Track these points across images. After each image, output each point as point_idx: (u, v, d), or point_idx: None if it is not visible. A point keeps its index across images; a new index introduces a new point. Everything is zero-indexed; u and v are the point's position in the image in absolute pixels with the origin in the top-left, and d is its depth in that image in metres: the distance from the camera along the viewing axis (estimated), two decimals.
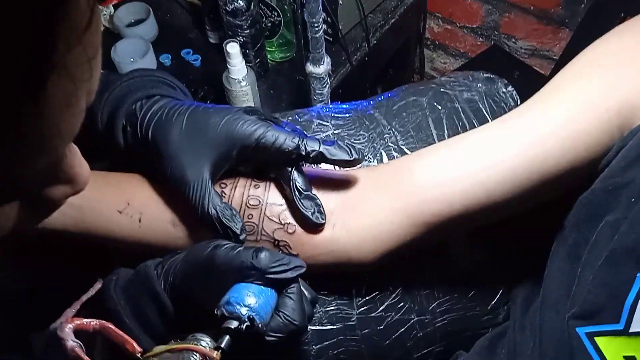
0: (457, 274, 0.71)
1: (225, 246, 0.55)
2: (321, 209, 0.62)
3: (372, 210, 0.62)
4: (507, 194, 0.59)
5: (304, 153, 0.60)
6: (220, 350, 0.49)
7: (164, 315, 0.57)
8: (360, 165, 0.68)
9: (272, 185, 0.64)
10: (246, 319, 0.50)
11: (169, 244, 0.63)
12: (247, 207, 0.62)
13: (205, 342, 0.50)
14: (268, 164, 0.64)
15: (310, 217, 0.61)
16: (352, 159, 0.61)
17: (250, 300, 0.51)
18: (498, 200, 0.59)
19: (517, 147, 0.59)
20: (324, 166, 0.69)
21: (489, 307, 0.72)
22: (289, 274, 0.54)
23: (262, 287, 0.53)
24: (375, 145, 0.73)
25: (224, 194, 0.63)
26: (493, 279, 0.73)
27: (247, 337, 0.52)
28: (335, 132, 0.73)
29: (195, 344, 0.49)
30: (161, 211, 0.63)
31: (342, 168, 0.66)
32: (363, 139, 0.73)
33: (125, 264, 0.62)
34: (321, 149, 0.60)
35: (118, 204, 0.63)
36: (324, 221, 0.61)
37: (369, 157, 0.72)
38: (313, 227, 0.62)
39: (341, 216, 0.63)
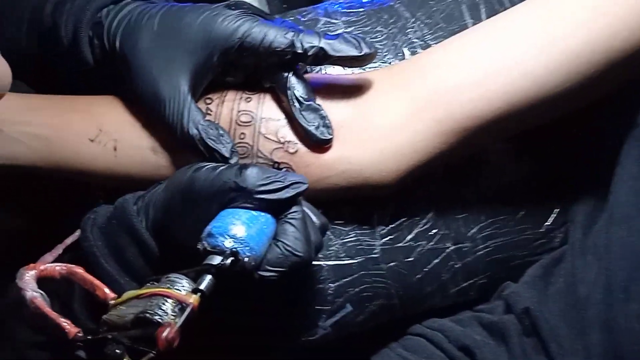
0: (500, 191, 0.59)
1: (206, 167, 0.45)
2: (327, 121, 0.50)
3: (390, 118, 0.51)
4: (563, 85, 0.46)
5: (300, 51, 0.48)
6: (199, 294, 0.40)
7: (147, 255, 0.48)
8: (376, 65, 0.56)
9: (268, 97, 0.53)
10: (230, 253, 0.40)
11: (151, 174, 0.53)
12: (238, 124, 0.52)
13: (182, 285, 0.40)
14: (260, 71, 0.52)
15: (314, 132, 0.50)
16: (361, 54, 0.49)
17: (236, 229, 0.41)
18: (551, 94, 0.47)
19: (573, 24, 0.46)
20: (331, 71, 0.57)
21: (542, 230, 0.60)
22: (284, 193, 0.43)
23: (253, 212, 0.44)
24: (396, 42, 0.59)
25: (209, 111, 0.52)
26: (546, 196, 0.60)
27: (239, 275, 0.42)
28: (346, 30, 0.61)
29: (168, 288, 0.40)
30: (139, 136, 0.54)
31: (351, 69, 0.54)
32: (381, 35, 0.60)
33: (111, 200, 0.53)
34: (322, 44, 0.48)
35: (88, 131, 0.54)
36: (331, 136, 0.50)
37: (388, 57, 0.59)
38: (318, 144, 0.50)
39: (352, 128, 0.51)
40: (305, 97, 0.50)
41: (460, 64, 0.49)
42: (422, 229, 0.58)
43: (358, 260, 0.57)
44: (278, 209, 0.44)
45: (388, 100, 0.51)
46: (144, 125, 0.53)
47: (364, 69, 0.56)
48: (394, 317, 0.59)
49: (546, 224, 0.60)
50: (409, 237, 0.57)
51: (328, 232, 0.56)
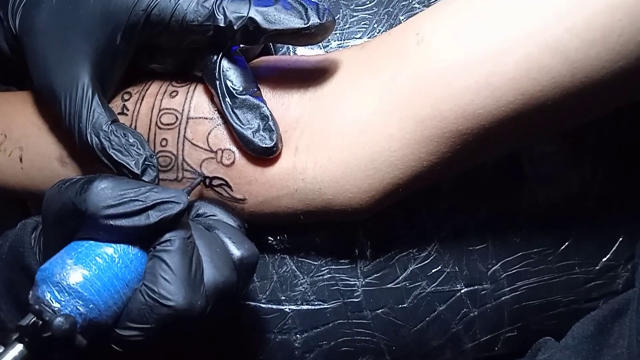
0: (535, 211, 0.42)
1: (59, 183, 0.33)
2: (270, 122, 0.36)
3: (357, 118, 0.36)
4: (597, 57, 0.29)
5: (222, 24, 0.34)
6: None
7: None
8: (361, 40, 0.41)
9: (199, 90, 0.39)
10: (36, 311, 0.28)
11: None
12: (159, 127, 0.38)
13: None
14: (187, 55, 0.39)
15: (251, 137, 0.36)
16: (307, 25, 0.34)
17: (67, 275, 0.29)
18: (581, 71, 0.30)
19: None
20: (304, 52, 0.43)
21: (597, 267, 0.43)
22: (143, 219, 0.30)
23: (105, 247, 0.31)
24: (390, 9, 0.44)
25: (125, 110, 0.40)
26: (606, 218, 0.43)
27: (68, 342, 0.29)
28: None
29: None
30: (46, 143, 0.42)
31: (307, 48, 0.39)
32: (369, 1, 0.44)
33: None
34: (251, 14, 0.34)
35: None
36: (273, 143, 0.36)
37: (379, 29, 0.43)
38: (259, 153, 0.36)
39: (307, 132, 0.37)
40: (240, 88, 0.36)
41: (454, 39, 0.32)
42: (420, 264, 0.42)
43: (333, 305, 0.43)
44: (143, 239, 0.31)
45: (356, 92, 0.36)
46: (51, 129, 0.42)
47: (322, 46, 0.42)
48: None
49: (604, 259, 0.43)
50: (403, 275, 0.42)
51: (293, 267, 0.42)
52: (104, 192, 0.30)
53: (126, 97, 0.40)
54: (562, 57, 0.30)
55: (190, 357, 0.44)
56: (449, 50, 0.33)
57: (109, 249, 0.30)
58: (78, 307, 0.28)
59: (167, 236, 0.30)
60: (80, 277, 0.29)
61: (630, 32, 0.29)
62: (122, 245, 0.31)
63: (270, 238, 0.42)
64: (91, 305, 0.28)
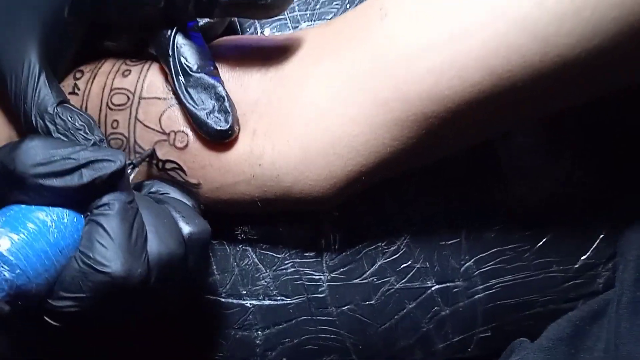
0: (510, 206, 0.40)
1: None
2: (226, 103, 0.34)
3: (318, 100, 0.33)
4: (575, 41, 0.27)
5: None
6: None
7: None
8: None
9: (153, 69, 0.37)
10: None
11: None
12: (110, 108, 0.36)
13: None
14: (142, 33, 0.36)
15: (205, 118, 0.34)
16: None
17: None
18: (560, 57, 0.28)
19: None
20: (270, 33, 0.41)
21: (576, 265, 0.41)
22: (74, 178, 0.28)
23: (35, 210, 0.28)
24: None
25: (76, 89, 0.37)
26: (587, 213, 0.41)
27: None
28: None
29: None
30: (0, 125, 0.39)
31: (275, 29, 0.37)
32: None
33: None
34: None
35: None
36: (228, 125, 0.34)
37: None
38: (214, 136, 0.34)
39: (266, 115, 0.35)
40: (195, 66, 0.34)
41: (419, 14, 0.30)
42: (389, 259, 0.40)
43: (297, 300, 0.40)
44: (80, 202, 0.29)
45: (317, 73, 0.34)
46: (4, 111, 0.39)
47: (292, 27, 0.39)
48: None
49: (584, 257, 0.40)
50: (370, 270, 0.40)
51: (255, 260, 0.40)
52: (34, 150, 0.28)
53: (78, 75, 0.38)
54: (531, 34, 0.28)
55: (146, 352, 0.41)
56: (413, 27, 0.30)
57: (41, 213, 0.28)
58: (3, 272, 0.26)
59: (105, 199, 0.28)
60: (6, 241, 0.26)
61: (603, 8, 0.27)
62: (56, 209, 0.28)
63: (232, 228, 0.40)
64: (18, 271, 0.26)
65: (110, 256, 0.27)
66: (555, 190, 0.40)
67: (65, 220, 0.28)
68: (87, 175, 0.27)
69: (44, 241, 0.27)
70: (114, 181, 0.28)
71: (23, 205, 0.28)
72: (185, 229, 0.31)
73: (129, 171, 0.33)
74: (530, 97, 0.30)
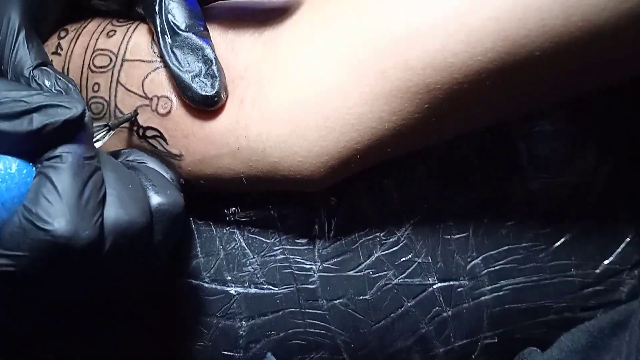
0: (526, 200, 0.36)
1: None
2: (213, 67, 0.31)
3: (312, 69, 0.30)
4: (604, 3, 0.23)
5: None
6: None
7: None
8: None
9: (140, 30, 0.34)
10: None
11: None
12: (92, 70, 0.34)
13: None
14: None
15: (190, 82, 0.31)
16: None
17: None
18: (585, 22, 0.24)
19: None
20: None
21: (597, 270, 0.36)
22: (22, 122, 0.25)
23: None
24: None
25: (59, 49, 0.35)
26: (608, 215, 0.36)
27: None
28: None
29: None
30: None
31: None
32: None
33: None
34: None
35: None
36: (215, 91, 0.31)
37: None
38: (198, 102, 0.31)
39: (256, 83, 0.31)
40: (183, 25, 0.31)
41: None
42: (387, 251, 0.36)
43: (285, 290, 0.37)
44: (30, 151, 0.26)
45: (313, 40, 0.30)
46: None
47: None
48: None
49: (606, 262, 0.36)
50: (366, 262, 0.37)
51: (242, 244, 0.37)
52: None
53: (62, 34, 0.35)
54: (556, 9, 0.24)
55: (123, 338, 0.39)
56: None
57: None
58: None
59: (58, 151, 0.25)
60: None
61: None
62: (4, 158, 0.25)
63: (219, 208, 0.37)
64: None
65: (54, 213, 0.24)
66: (578, 185, 0.36)
67: (13, 171, 0.25)
68: (37, 120, 0.24)
69: None
70: (69, 131, 0.25)
71: None
72: (154, 198, 0.28)
73: (103, 134, 0.31)
74: (549, 70, 0.26)
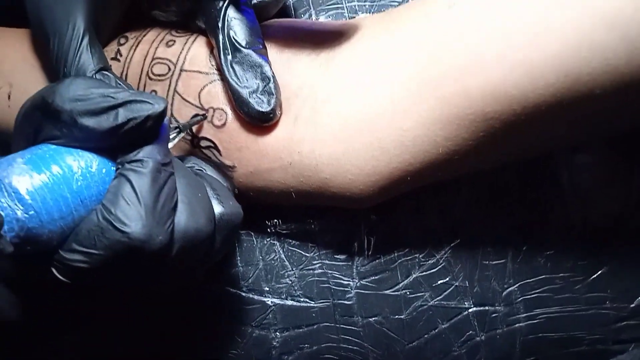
0: (566, 231, 0.36)
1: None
2: (271, 85, 0.32)
3: (368, 87, 0.31)
4: None
5: None
6: None
7: None
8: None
9: (198, 42, 0.35)
10: None
11: None
12: (150, 78, 0.35)
13: None
14: (192, 5, 0.35)
15: (247, 98, 0.32)
16: None
17: (15, 178, 0.24)
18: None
19: None
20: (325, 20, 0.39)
21: (632, 305, 0.37)
22: (108, 118, 0.25)
23: (66, 152, 0.26)
24: None
25: (118, 55, 0.36)
26: None
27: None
28: None
29: None
30: (35, 82, 0.38)
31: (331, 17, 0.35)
32: None
33: None
34: None
35: None
36: (271, 108, 0.32)
37: None
38: (254, 118, 0.32)
39: (311, 102, 0.32)
40: (244, 42, 0.32)
41: (490, 3, 0.27)
42: (425, 273, 0.37)
43: (321, 304, 0.38)
44: (111, 150, 0.27)
45: (371, 60, 0.31)
46: (42, 68, 0.38)
47: (349, 17, 0.37)
48: None
49: None
50: (404, 282, 0.37)
51: (282, 256, 0.38)
52: (75, 85, 0.26)
53: (122, 41, 0.36)
54: (620, 34, 0.25)
55: (157, 340, 0.39)
56: (483, 16, 0.28)
57: (70, 157, 0.26)
58: (16, 210, 0.24)
59: (140, 155, 0.26)
60: (26, 179, 0.24)
61: None
62: (87, 155, 0.26)
63: (262, 219, 0.38)
64: (32, 212, 0.24)
65: (132, 215, 0.25)
66: (617, 217, 0.37)
67: (94, 169, 0.26)
68: (122, 115, 0.25)
69: (66, 187, 0.25)
70: (151, 129, 0.26)
71: (53, 146, 0.26)
72: (218, 208, 0.29)
73: (172, 135, 0.32)
74: (607, 106, 0.27)
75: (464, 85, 0.28)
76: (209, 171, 0.32)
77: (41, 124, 0.27)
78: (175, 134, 0.31)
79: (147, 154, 0.26)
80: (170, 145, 0.30)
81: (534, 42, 0.26)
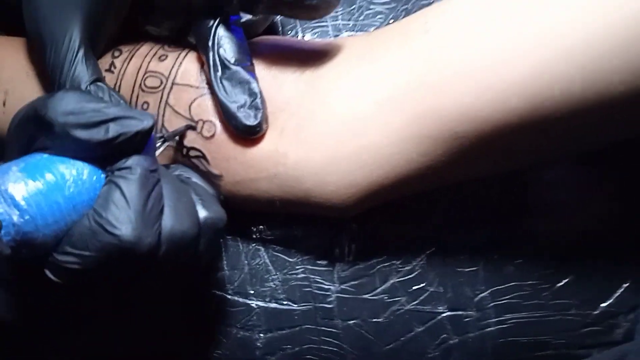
0: (534, 241, 0.39)
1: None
2: (258, 100, 0.34)
3: (350, 104, 0.33)
4: (627, 81, 0.26)
5: None
6: None
7: None
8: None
9: (190, 57, 0.37)
10: None
11: None
12: (142, 90, 0.36)
13: None
14: (184, 21, 0.37)
15: (236, 112, 0.33)
16: None
17: (11, 186, 0.27)
18: (608, 92, 0.27)
19: None
20: (311, 38, 0.40)
21: (596, 312, 0.39)
22: (99, 132, 0.28)
23: (60, 162, 0.28)
24: (408, 6, 0.41)
25: (112, 67, 0.38)
26: (610, 261, 0.39)
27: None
28: None
29: None
30: (31, 90, 0.40)
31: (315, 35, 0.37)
32: None
33: None
34: None
35: None
36: (257, 121, 0.34)
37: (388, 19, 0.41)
38: (241, 131, 0.34)
39: (296, 115, 0.34)
40: (233, 59, 0.34)
41: (463, 34, 0.29)
42: (402, 278, 0.39)
43: (303, 307, 0.40)
44: (103, 161, 0.29)
45: (353, 79, 0.33)
46: (38, 77, 0.40)
47: (333, 35, 0.39)
48: None
49: (604, 304, 0.39)
50: (382, 287, 0.39)
51: (266, 261, 0.39)
52: (67, 99, 0.28)
53: (116, 54, 0.38)
54: (579, 64, 0.27)
55: (145, 340, 0.41)
56: (456, 41, 0.30)
57: (62, 166, 0.28)
58: (13, 215, 0.26)
59: (128, 163, 0.28)
60: (21, 185, 0.26)
61: None
62: (78, 164, 0.28)
63: (247, 225, 0.40)
64: (27, 217, 0.26)
65: (122, 219, 0.26)
66: (584, 230, 0.39)
67: (85, 177, 0.28)
68: (113, 130, 0.27)
69: (59, 193, 0.27)
70: (139, 142, 0.28)
71: (46, 155, 0.28)
72: (202, 212, 0.31)
73: (158, 144, 0.33)
74: (571, 128, 0.29)
75: (438, 108, 0.30)
76: (195, 178, 0.34)
77: (34, 134, 0.28)
78: (159, 143, 0.33)
79: (135, 161, 0.28)
80: (157, 153, 0.32)
81: (500, 67, 0.28)
